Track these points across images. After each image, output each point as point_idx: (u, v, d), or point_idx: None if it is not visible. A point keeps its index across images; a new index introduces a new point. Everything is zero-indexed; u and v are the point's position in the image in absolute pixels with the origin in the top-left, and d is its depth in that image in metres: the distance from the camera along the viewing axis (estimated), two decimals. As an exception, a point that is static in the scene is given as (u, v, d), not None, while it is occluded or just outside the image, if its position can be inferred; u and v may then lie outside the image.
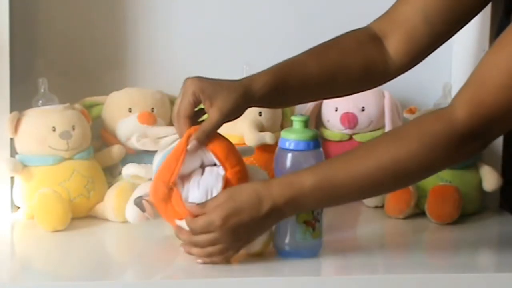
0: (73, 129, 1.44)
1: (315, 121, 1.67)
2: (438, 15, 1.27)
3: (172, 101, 1.60)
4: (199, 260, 1.21)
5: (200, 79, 1.24)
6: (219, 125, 1.23)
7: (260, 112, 1.56)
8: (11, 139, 1.45)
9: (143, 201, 1.27)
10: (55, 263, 1.26)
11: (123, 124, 1.54)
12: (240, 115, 1.26)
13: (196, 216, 1.19)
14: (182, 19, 1.66)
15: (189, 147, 1.21)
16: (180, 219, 1.22)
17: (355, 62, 1.30)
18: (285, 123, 1.59)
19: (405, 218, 1.49)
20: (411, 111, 1.60)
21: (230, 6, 1.67)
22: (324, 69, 1.30)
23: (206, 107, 1.23)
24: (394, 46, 1.30)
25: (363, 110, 1.61)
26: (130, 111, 1.54)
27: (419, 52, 1.30)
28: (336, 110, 1.61)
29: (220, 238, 1.18)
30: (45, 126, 1.43)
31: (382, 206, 1.53)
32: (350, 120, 1.61)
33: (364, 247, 1.36)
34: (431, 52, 1.30)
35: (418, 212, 1.50)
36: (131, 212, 1.29)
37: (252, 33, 1.68)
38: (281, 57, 1.68)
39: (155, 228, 1.35)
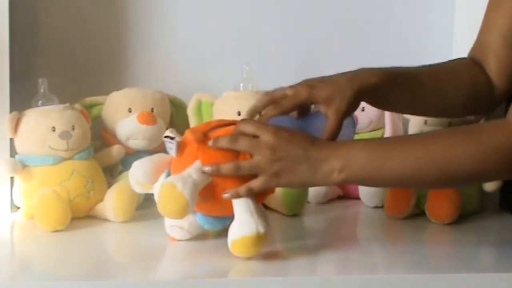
0: (73, 129, 1.44)
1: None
2: None
3: (172, 101, 1.60)
4: (226, 195, 1.21)
5: (311, 84, 1.26)
6: (338, 127, 1.24)
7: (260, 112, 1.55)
8: (11, 139, 1.45)
9: (176, 142, 1.24)
10: (55, 263, 1.26)
11: (123, 124, 1.54)
12: (354, 111, 1.28)
13: None
14: (182, 19, 1.66)
15: None
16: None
17: (465, 80, 1.34)
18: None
19: (405, 218, 1.49)
20: (411, 111, 1.60)
21: (230, 6, 1.67)
22: (436, 84, 1.33)
23: (323, 110, 1.25)
24: (491, 71, 1.35)
25: (363, 110, 1.61)
26: (130, 111, 1.54)
27: None
28: (336, 110, 1.60)
29: (262, 148, 1.19)
30: (45, 126, 1.43)
31: (382, 206, 1.53)
32: (350, 120, 1.61)
33: (364, 247, 1.36)
34: None
35: (418, 212, 1.50)
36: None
37: (252, 33, 1.68)
38: (281, 57, 1.69)
39: (155, 228, 1.35)
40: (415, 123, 1.56)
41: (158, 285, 1.17)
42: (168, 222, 1.29)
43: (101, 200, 1.44)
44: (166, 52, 1.66)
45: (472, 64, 1.37)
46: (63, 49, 1.63)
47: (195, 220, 1.28)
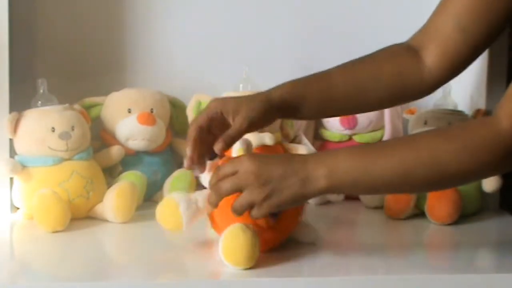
0: (73, 129, 1.44)
1: (315, 122, 1.66)
2: (471, 21, 1.25)
3: (171, 102, 1.60)
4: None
5: (223, 98, 1.26)
6: (243, 131, 1.22)
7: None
8: (11, 140, 1.45)
9: None
10: (54, 264, 1.26)
11: (122, 124, 1.54)
12: (265, 124, 1.25)
13: None
14: (182, 20, 1.66)
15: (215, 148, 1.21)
16: None
17: (386, 71, 1.28)
18: (284, 124, 1.59)
19: (405, 218, 1.49)
20: (411, 112, 1.60)
21: (230, 7, 1.67)
22: (352, 80, 1.29)
23: (231, 120, 1.23)
24: (430, 56, 1.28)
25: (362, 110, 1.61)
26: (129, 112, 1.54)
27: (457, 62, 1.28)
28: (335, 111, 1.60)
29: (245, 178, 1.16)
30: (44, 126, 1.43)
31: (382, 207, 1.53)
32: (349, 120, 1.61)
33: (364, 247, 1.36)
34: (469, 63, 1.28)
35: (418, 213, 1.50)
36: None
37: (252, 35, 1.68)
38: (280, 58, 1.69)
39: (155, 229, 1.35)
40: (415, 123, 1.56)
41: (158, 285, 1.17)
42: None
43: (101, 200, 1.44)
44: (165, 53, 1.66)
45: (404, 50, 1.31)
46: (63, 49, 1.63)
47: None
